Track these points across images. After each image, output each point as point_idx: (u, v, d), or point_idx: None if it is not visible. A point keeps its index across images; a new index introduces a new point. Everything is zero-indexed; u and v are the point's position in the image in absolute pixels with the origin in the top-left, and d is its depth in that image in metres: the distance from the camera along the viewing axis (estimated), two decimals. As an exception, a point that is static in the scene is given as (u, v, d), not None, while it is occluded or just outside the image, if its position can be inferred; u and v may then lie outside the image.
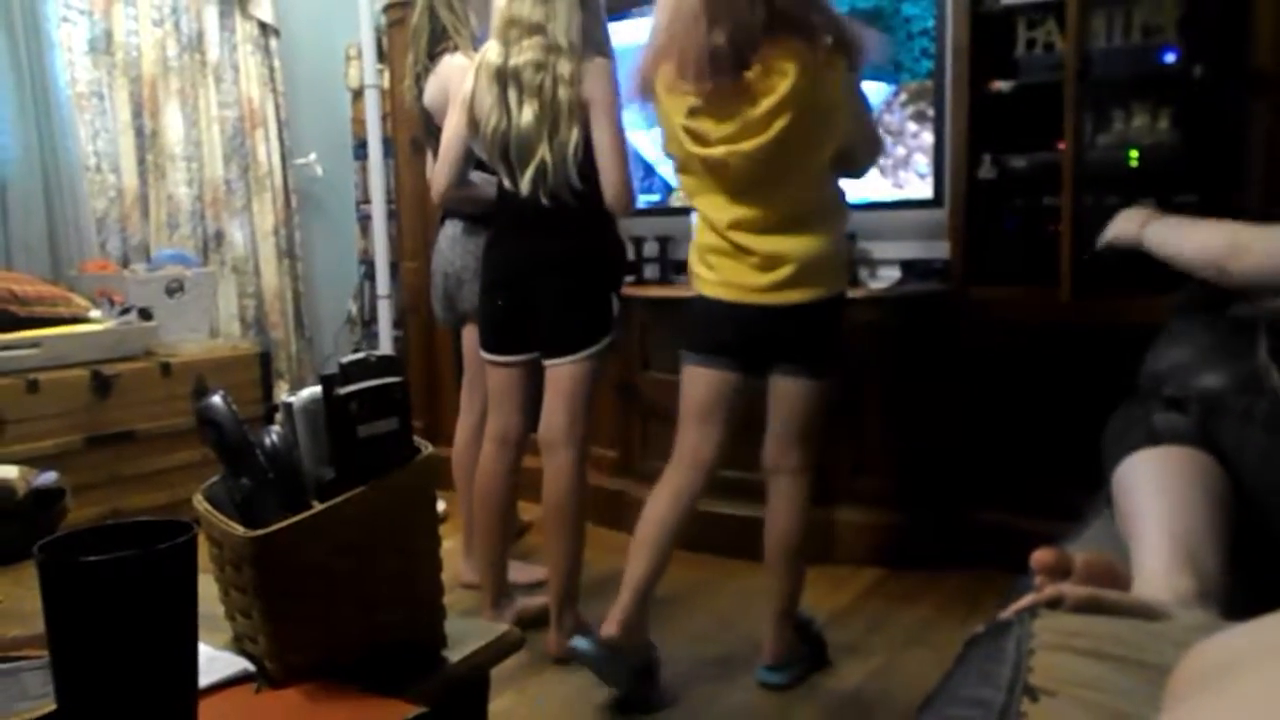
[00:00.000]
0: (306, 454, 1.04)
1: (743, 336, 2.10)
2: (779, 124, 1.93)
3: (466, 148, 2.36)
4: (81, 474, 2.62)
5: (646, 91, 2.11)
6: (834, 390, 2.17)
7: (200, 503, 1.03)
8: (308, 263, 4.28)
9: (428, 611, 1.08)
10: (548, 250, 2.28)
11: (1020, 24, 2.67)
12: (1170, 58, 2.48)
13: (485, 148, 2.29)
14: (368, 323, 4.20)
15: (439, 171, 2.43)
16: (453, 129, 2.37)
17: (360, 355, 1.04)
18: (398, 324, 3.78)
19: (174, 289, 3.33)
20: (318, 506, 0.98)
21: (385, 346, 3.61)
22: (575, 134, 2.19)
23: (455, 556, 2.72)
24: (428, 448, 1.07)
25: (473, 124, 2.28)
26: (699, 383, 2.15)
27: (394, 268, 3.73)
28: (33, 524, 1.39)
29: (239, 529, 0.97)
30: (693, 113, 2.00)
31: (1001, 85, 2.66)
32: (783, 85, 1.91)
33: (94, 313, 3.05)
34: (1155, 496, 1.01)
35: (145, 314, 3.11)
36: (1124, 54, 2.54)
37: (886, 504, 2.85)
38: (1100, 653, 0.68)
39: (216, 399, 1.02)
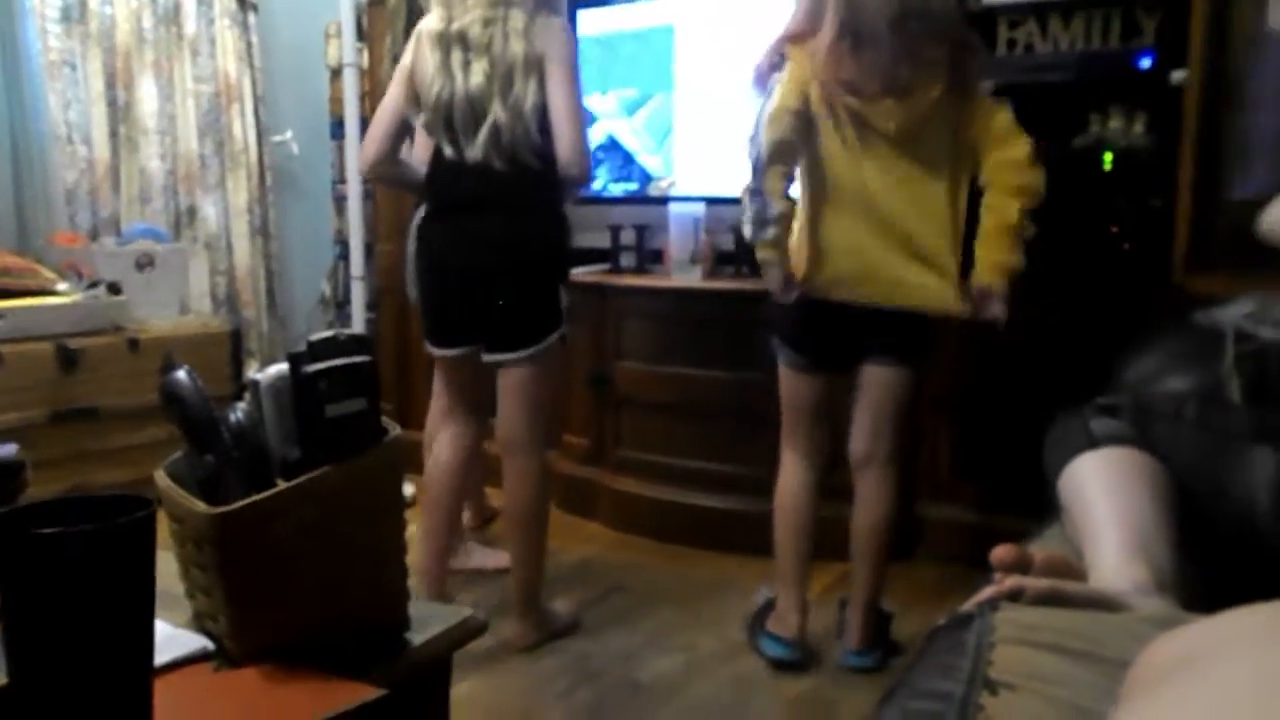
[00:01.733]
0: (273, 432, 1.02)
1: (845, 334, 2.15)
2: (932, 93, 1.99)
3: (400, 121, 2.25)
4: (45, 449, 2.59)
5: (778, 58, 2.10)
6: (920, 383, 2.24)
7: (162, 479, 1.02)
8: (281, 241, 4.23)
9: (391, 594, 1.08)
10: (490, 231, 2.16)
11: (1002, 24, 2.68)
12: (1147, 62, 2.51)
13: (426, 118, 2.18)
14: (341, 304, 4.16)
15: (368, 144, 2.31)
16: (387, 101, 2.27)
17: (329, 333, 1.03)
18: (371, 305, 3.75)
19: (144, 264, 3.29)
20: (282, 485, 0.97)
21: (358, 328, 3.57)
22: (532, 88, 2.10)
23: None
24: (396, 429, 1.06)
25: (412, 96, 2.19)
26: (806, 387, 2.22)
27: (369, 249, 3.70)
28: (-9, 497, 1.37)
29: (200, 506, 0.95)
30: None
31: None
32: (936, 71, 2.00)
33: (61, 285, 3.00)
34: (1103, 496, 1.02)
35: (114, 288, 3.06)
36: (1103, 57, 2.56)
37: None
38: (1059, 646, 0.68)
39: (181, 374, 1.00)
